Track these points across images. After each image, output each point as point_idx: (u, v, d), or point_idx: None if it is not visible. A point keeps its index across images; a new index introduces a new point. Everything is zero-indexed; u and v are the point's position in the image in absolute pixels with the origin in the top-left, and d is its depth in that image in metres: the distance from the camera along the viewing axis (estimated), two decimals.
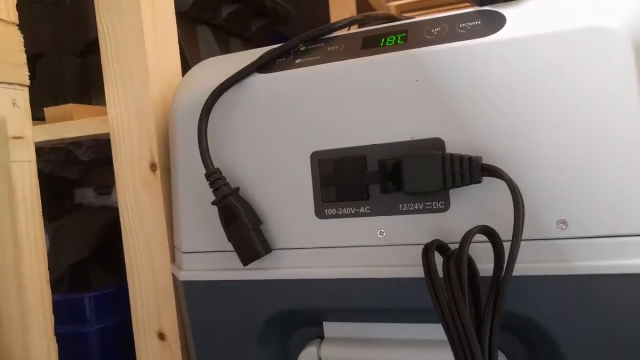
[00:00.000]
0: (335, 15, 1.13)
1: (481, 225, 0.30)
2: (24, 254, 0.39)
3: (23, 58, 0.39)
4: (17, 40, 0.38)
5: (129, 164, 0.45)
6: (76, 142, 0.80)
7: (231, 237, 0.37)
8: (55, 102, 0.62)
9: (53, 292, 0.40)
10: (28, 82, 0.39)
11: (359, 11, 1.16)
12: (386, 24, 0.37)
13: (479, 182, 0.31)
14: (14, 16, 0.38)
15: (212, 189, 0.36)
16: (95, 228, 0.57)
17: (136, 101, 0.44)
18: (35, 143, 0.52)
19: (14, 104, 0.38)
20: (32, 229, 0.40)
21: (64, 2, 0.65)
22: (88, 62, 0.64)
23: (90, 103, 0.63)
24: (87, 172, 0.88)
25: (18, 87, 0.38)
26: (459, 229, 0.32)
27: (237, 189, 0.37)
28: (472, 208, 0.32)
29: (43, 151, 0.85)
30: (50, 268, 0.40)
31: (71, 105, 0.52)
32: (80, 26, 0.64)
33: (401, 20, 0.40)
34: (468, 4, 0.36)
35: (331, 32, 0.38)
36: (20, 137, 0.38)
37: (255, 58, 0.38)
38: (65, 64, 0.64)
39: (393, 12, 1.55)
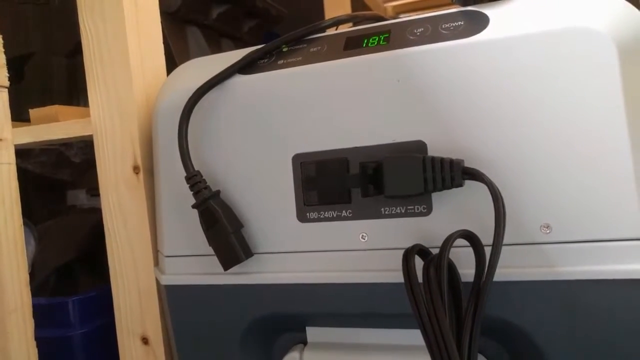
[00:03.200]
0: (330, 16, 1.12)
1: (462, 230, 0.30)
2: (2, 258, 0.38)
3: (2, 59, 0.38)
4: None
5: (111, 165, 0.44)
6: (67, 144, 0.79)
7: (211, 241, 0.36)
8: (44, 102, 0.62)
9: (39, 295, 0.39)
10: (7, 84, 0.38)
11: (354, 11, 1.15)
12: (371, 24, 0.36)
13: (461, 185, 0.30)
14: None
15: (192, 192, 0.36)
16: (82, 230, 0.56)
17: (119, 103, 0.44)
18: (24, 144, 0.52)
19: None
20: (11, 232, 0.39)
21: (53, 3, 0.64)
22: (77, 62, 0.64)
23: (78, 103, 0.63)
24: (79, 174, 0.87)
25: None
26: (442, 233, 0.31)
27: (218, 192, 0.36)
28: (455, 211, 0.32)
29: (34, 152, 0.85)
30: (35, 270, 0.40)
31: (56, 106, 0.51)
32: (69, 26, 0.63)
33: (387, 20, 0.39)
34: None
35: (315, 33, 0.37)
36: (0, 139, 0.38)
37: (237, 58, 0.37)
38: (54, 64, 0.64)
39: (390, 13, 1.54)
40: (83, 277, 0.54)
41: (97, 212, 0.72)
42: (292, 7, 0.89)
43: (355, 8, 1.18)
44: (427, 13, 0.35)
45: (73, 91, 0.64)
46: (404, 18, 0.35)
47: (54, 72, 0.64)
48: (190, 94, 0.37)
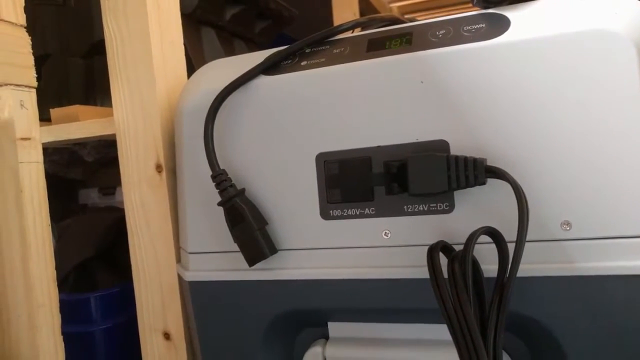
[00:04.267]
0: (338, 16, 1.13)
1: (485, 227, 0.30)
2: (31, 254, 0.39)
3: (30, 60, 0.39)
4: (24, 42, 0.39)
5: (134, 164, 0.45)
6: (80, 143, 0.80)
7: (237, 238, 0.37)
8: (61, 103, 0.63)
9: (59, 292, 0.40)
10: (35, 84, 0.39)
11: (361, 11, 1.16)
12: (390, 27, 0.37)
13: (483, 183, 0.31)
14: (21, 18, 0.39)
15: (218, 190, 0.37)
16: (100, 228, 0.57)
17: (142, 103, 0.44)
18: (45, 143, 0.53)
19: (22, 105, 0.38)
20: (39, 229, 0.40)
21: (69, 3, 0.65)
22: (93, 63, 0.65)
23: (95, 104, 0.64)
24: (91, 173, 0.88)
25: (25, 89, 0.39)
26: (464, 230, 0.32)
27: (243, 190, 0.37)
28: (477, 209, 0.33)
29: (47, 151, 0.86)
30: (55, 268, 0.41)
31: (77, 106, 0.52)
32: (85, 27, 0.64)
33: (404, 22, 0.40)
34: (469, 5, 0.36)
35: (335, 35, 0.38)
36: (28, 139, 0.39)
37: (260, 60, 0.38)
38: (71, 65, 0.65)
39: (395, 12, 1.55)
40: (101, 274, 0.55)
41: (114, 210, 0.73)
42: (301, 8, 0.90)
43: (363, 9, 1.19)
44: (438, 14, 0.36)
45: (90, 92, 0.64)
46: (425, 20, 0.36)
47: (71, 73, 0.64)
48: (214, 95, 0.38)
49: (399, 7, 1.56)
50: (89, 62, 0.65)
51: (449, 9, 1.62)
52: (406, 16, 1.68)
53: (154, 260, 0.45)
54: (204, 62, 0.65)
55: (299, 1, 0.97)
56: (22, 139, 0.38)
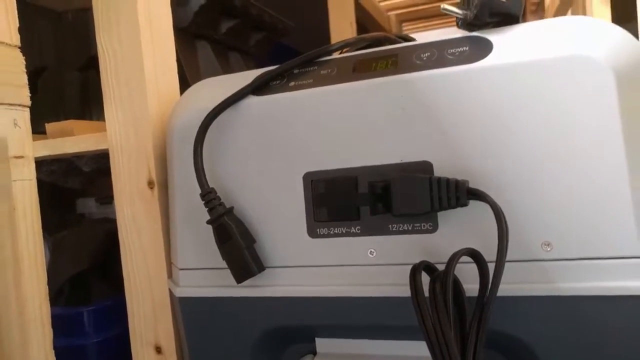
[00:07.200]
0: (335, 25, 1.14)
1: (466, 248, 0.31)
2: (24, 270, 0.40)
3: (24, 79, 0.40)
4: (18, 62, 0.39)
5: (126, 179, 0.46)
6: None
7: (225, 255, 0.37)
8: (57, 116, 0.63)
9: (52, 305, 0.41)
10: (29, 103, 0.40)
11: (357, 20, 1.17)
12: (377, 48, 0.38)
13: (465, 205, 0.32)
14: (15, 39, 0.39)
15: (206, 208, 0.37)
16: (94, 240, 0.58)
17: (134, 119, 0.45)
18: (40, 157, 0.53)
19: (15, 124, 0.39)
20: (32, 245, 0.41)
21: (66, 17, 0.66)
22: (89, 76, 0.65)
23: (91, 117, 0.64)
24: (88, 182, 0.89)
25: (19, 108, 0.39)
26: (447, 250, 0.33)
27: (232, 208, 0.38)
28: (460, 229, 0.33)
29: (46, 162, 0.87)
30: (49, 280, 0.41)
31: (71, 121, 0.53)
32: (82, 41, 0.65)
33: (393, 40, 0.41)
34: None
35: (324, 56, 0.39)
36: (21, 157, 0.39)
37: (251, 79, 0.39)
38: (67, 78, 0.65)
39: (392, 20, 1.56)
40: (96, 286, 0.55)
41: (108, 222, 0.74)
42: (297, 17, 0.91)
43: (359, 17, 1.20)
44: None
45: (85, 104, 0.65)
46: (412, 43, 0.37)
47: (67, 86, 0.65)
48: (205, 113, 0.38)
49: (397, 15, 1.57)
50: (85, 75, 0.66)
51: (445, 17, 1.63)
52: (403, 24, 1.69)
53: (145, 274, 0.46)
54: (199, 75, 0.66)
55: (296, 10, 0.98)
56: (16, 157, 0.39)
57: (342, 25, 1.12)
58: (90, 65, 0.65)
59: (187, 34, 0.64)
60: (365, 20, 1.34)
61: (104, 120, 0.47)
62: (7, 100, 0.38)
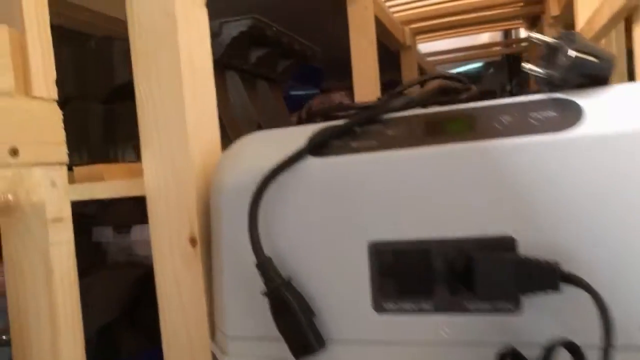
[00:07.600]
0: (355, 43, 1.11)
1: (563, 339, 0.28)
2: (61, 333, 0.38)
3: (62, 135, 0.37)
4: (56, 117, 0.37)
5: (166, 231, 0.43)
6: None
7: (281, 328, 0.35)
8: (79, 150, 0.61)
9: None
10: (67, 160, 0.37)
11: (377, 38, 1.13)
12: (447, 106, 0.35)
13: (557, 290, 0.29)
14: (53, 92, 0.36)
15: (262, 280, 0.35)
16: (122, 288, 0.55)
17: (174, 169, 0.42)
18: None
19: (53, 185, 0.36)
20: (69, 308, 0.38)
21: (89, 46, 0.63)
22: (114, 108, 0.63)
23: (115, 154, 0.61)
24: (102, 208, 0.86)
25: (57, 166, 0.36)
26: (529, 332, 0.30)
27: (289, 279, 0.35)
28: (546, 311, 0.31)
29: None
30: None
31: (100, 165, 0.50)
32: (105, 72, 0.62)
33: (446, 76, 0.38)
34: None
35: (386, 113, 0.36)
36: (59, 219, 0.36)
37: (302, 134, 0.36)
38: (90, 111, 0.62)
39: (408, 34, 1.53)
40: (125, 337, 0.52)
41: (137, 267, 0.71)
42: (318, 34, 0.88)
43: (379, 33, 1.17)
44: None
45: (110, 138, 0.62)
46: (489, 103, 0.34)
47: (90, 118, 0.62)
48: (258, 173, 0.36)
49: (411, 29, 1.54)
50: (109, 108, 0.63)
51: (463, 30, 1.60)
52: (417, 38, 1.65)
53: (186, 336, 0.43)
54: (229, 108, 0.63)
55: (316, 29, 0.96)
56: (53, 220, 0.36)
57: (362, 43, 1.09)
58: (115, 96, 0.62)
59: (217, 66, 0.61)
60: (383, 37, 1.31)
61: (130, 158, 0.44)
62: (45, 160, 0.36)
